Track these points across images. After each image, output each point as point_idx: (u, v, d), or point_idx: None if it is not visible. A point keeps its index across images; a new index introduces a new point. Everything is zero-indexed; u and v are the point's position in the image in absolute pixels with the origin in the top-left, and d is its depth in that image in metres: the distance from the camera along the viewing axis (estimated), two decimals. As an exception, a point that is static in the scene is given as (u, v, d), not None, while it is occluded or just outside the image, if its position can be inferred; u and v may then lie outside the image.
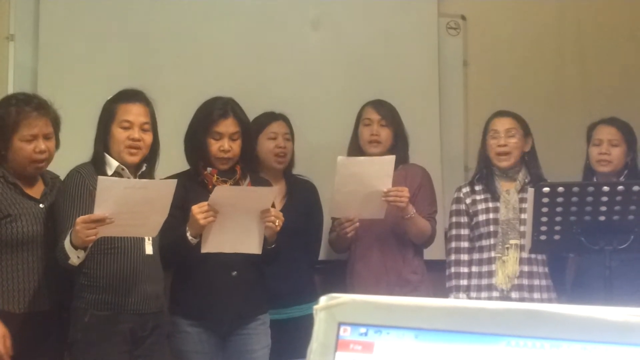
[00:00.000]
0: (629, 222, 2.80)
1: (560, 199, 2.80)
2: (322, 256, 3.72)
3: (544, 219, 2.82)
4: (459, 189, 3.50)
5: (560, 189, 2.81)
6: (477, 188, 3.45)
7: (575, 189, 2.82)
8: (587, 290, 3.16)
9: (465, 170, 4.10)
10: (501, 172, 3.42)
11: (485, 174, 3.45)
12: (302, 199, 3.46)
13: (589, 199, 2.79)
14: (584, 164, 3.47)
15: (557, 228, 2.83)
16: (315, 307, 0.85)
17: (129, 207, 2.60)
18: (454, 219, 3.46)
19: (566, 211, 2.80)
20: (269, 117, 3.48)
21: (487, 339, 0.76)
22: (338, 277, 3.52)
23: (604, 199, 2.79)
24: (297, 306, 3.28)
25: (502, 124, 3.41)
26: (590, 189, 2.83)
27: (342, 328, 0.84)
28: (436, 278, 3.53)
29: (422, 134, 3.78)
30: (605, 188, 2.81)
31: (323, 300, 0.85)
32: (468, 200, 3.43)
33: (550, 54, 4.27)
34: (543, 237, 2.85)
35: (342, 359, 0.82)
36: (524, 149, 3.42)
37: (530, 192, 2.88)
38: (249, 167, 3.17)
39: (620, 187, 2.81)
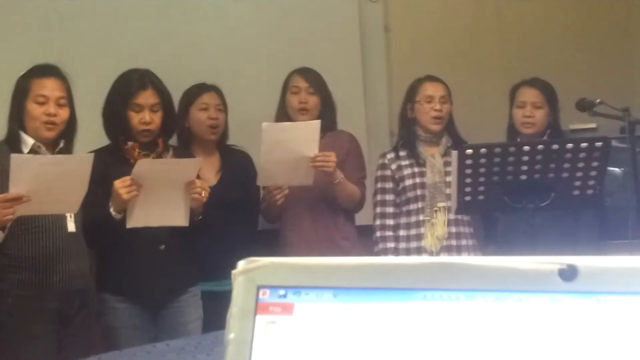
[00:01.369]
0: (550, 180, 2.87)
1: (482, 160, 2.85)
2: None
3: (468, 180, 2.87)
4: (384, 155, 3.53)
5: (483, 150, 2.86)
6: (401, 154, 3.48)
7: (497, 149, 2.87)
8: (513, 248, 3.24)
9: (390, 135, 4.13)
10: (426, 137, 3.46)
11: (408, 139, 3.49)
12: (237, 170, 3.41)
13: (511, 159, 2.85)
14: (507, 124, 3.53)
15: (481, 189, 2.88)
16: (233, 271, 0.84)
17: (46, 184, 2.53)
18: (379, 185, 3.50)
19: (489, 172, 2.86)
20: (200, 89, 3.42)
21: (404, 294, 0.77)
22: (273, 246, 3.52)
23: (525, 158, 2.85)
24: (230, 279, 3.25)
25: (435, 90, 3.44)
26: (512, 149, 2.89)
27: (261, 291, 0.83)
28: (368, 243, 3.57)
29: (346, 101, 3.78)
30: (526, 148, 2.87)
31: (241, 264, 0.84)
32: (393, 166, 3.47)
33: (469, 17, 4.30)
34: (468, 198, 2.90)
35: (262, 322, 0.81)
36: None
37: (454, 155, 2.92)
38: (182, 139, 3.12)
39: (540, 147, 2.88)
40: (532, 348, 0.69)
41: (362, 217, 3.68)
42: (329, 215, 3.46)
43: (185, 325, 3.03)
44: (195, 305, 3.09)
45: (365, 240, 3.57)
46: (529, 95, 3.45)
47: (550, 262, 0.71)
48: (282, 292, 0.82)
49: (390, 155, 3.50)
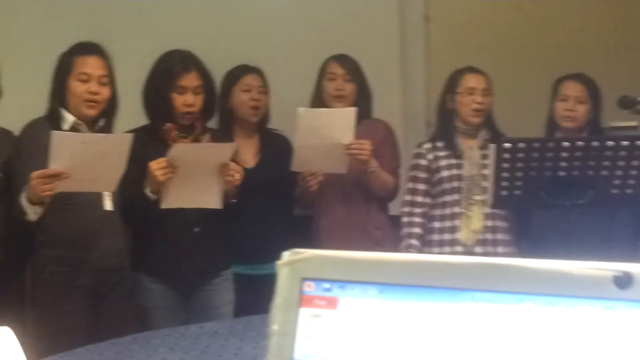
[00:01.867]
0: (588, 177, 2.82)
1: (521, 155, 2.81)
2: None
3: (505, 174, 2.84)
4: (420, 145, 3.50)
5: (521, 144, 2.82)
6: (438, 144, 3.45)
7: (536, 144, 2.83)
8: (547, 244, 3.21)
9: (427, 125, 4.10)
10: (465, 129, 3.42)
11: (446, 130, 3.46)
12: (276, 154, 3.38)
13: (549, 154, 2.81)
14: (547, 118, 3.49)
15: (518, 183, 2.84)
16: (277, 262, 0.84)
17: (85, 162, 2.55)
18: (412, 173, 3.48)
19: (527, 167, 2.82)
20: (243, 70, 3.41)
21: (452, 293, 0.76)
22: (305, 233, 3.51)
23: (564, 154, 2.80)
24: (269, 263, 3.22)
25: (477, 82, 3.41)
26: (551, 144, 2.85)
27: (305, 283, 0.83)
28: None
29: (383, 90, 3.75)
30: (566, 144, 2.82)
31: (286, 255, 0.84)
32: (430, 156, 3.44)
33: (510, 8, 4.25)
34: (504, 193, 2.87)
35: (306, 315, 0.81)
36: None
37: (492, 148, 2.89)
38: (209, 120, 3.11)
39: (579, 143, 2.83)
40: (583, 356, 0.68)
41: (396, 207, 3.66)
42: (362, 204, 3.44)
43: (217, 309, 3.04)
44: (228, 288, 3.10)
45: (398, 230, 3.55)
46: (573, 89, 3.40)
47: (605, 269, 0.70)
48: (327, 285, 0.82)
49: (428, 146, 3.47)
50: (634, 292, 0.68)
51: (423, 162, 3.45)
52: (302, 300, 0.82)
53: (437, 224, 3.39)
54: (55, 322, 2.70)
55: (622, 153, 2.80)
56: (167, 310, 2.99)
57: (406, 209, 3.44)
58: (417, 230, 3.39)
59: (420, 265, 0.78)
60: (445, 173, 3.39)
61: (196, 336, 1.90)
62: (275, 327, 0.81)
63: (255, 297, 3.04)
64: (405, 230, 3.41)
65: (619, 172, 2.82)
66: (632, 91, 3.17)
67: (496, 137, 3.31)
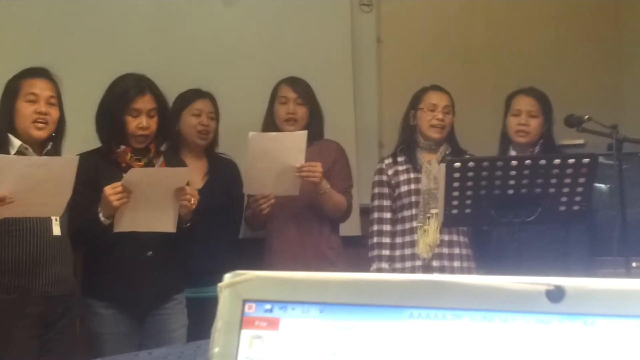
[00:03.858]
0: (537, 194, 2.87)
1: (470, 174, 2.85)
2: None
3: (455, 193, 2.87)
4: (382, 161, 3.54)
5: (471, 164, 2.86)
6: (399, 159, 3.49)
7: (485, 163, 2.87)
8: (501, 261, 3.25)
9: (379, 146, 4.13)
10: (426, 144, 3.46)
11: (407, 145, 3.49)
12: (223, 178, 3.40)
13: (498, 173, 2.85)
14: (501, 132, 3.54)
15: (468, 202, 2.88)
16: (219, 284, 0.84)
17: (30, 186, 2.52)
18: (376, 190, 3.50)
19: (476, 185, 2.86)
20: (195, 94, 3.42)
21: (391, 311, 0.76)
22: (255, 255, 3.50)
23: (513, 172, 2.85)
24: (215, 285, 3.22)
25: (439, 99, 3.47)
26: (500, 163, 2.89)
27: (246, 305, 0.82)
28: (353, 254, 3.56)
29: (336, 111, 3.78)
30: (514, 162, 2.87)
31: (227, 277, 0.84)
32: (390, 172, 3.48)
33: (460, 29, 4.32)
34: (455, 212, 2.90)
35: (247, 336, 0.81)
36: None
37: (442, 167, 2.92)
38: (171, 144, 3.11)
39: (527, 161, 2.88)
40: (518, 369, 0.69)
41: (347, 228, 3.68)
42: (315, 225, 3.45)
43: (171, 333, 3.01)
44: (181, 312, 3.08)
45: (349, 250, 3.56)
46: (525, 103, 3.46)
47: (537, 283, 0.71)
48: (268, 306, 0.82)
49: (388, 161, 3.51)
50: (566, 305, 0.69)
51: (384, 177, 3.48)
52: (244, 321, 0.82)
53: (398, 239, 3.41)
54: (3, 351, 2.64)
55: (569, 170, 2.85)
56: (120, 336, 2.95)
57: (375, 227, 3.45)
58: (386, 252, 3.41)
59: (359, 283, 0.79)
60: (404, 188, 3.42)
61: (146, 362, 1.87)
62: (216, 349, 0.81)
63: (204, 320, 3.05)
64: (376, 252, 3.42)
65: (566, 190, 2.87)
66: (579, 110, 3.24)
67: (457, 152, 3.37)
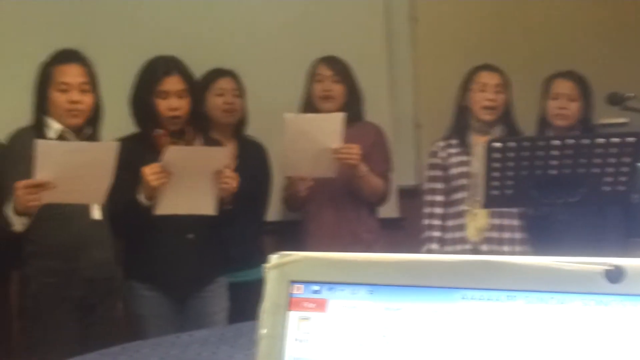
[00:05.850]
0: (580, 175, 2.82)
1: (511, 154, 2.80)
2: (276, 217, 3.70)
3: (496, 174, 2.83)
4: (435, 143, 3.50)
5: (512, 143, 2.82)
6: (452, 141, 3.45)
7: (526, 143, 2.83)
8: (542, 244, 3.21)
9: (415, 127, 4.09)
10: (479, 126, 3.41)
11: (460, 127, 3.45)
12: (252, 161, 3.39)
13: (540, 153, 2.80)
14: (538, 116, 3.48)
15: (509, 183, 2.84)
16: (265, 265, 0.82)
17: (72, 171, 2.52)
18: (429, 173, 3.48)
19: (518, 166, 2.81)
20: (216, 74, 3.40)
21: (442, 292, 0.75)
22: (292, 237, 3.50)
23: (555, 153, 2.80)
24: (245, 270, 3.24)
25: (490, 78, 3.41)
26: (541, 143, 2.84)
27: (294, 286, 0.81)
28: (391, 236, 3.54)
29: (371, 92, 3.74)
30: (556, 142, 2.82)
31: (273, 258, 0.83)
32: (443, 154, 3.44)
33: (496, 8, 4.25)
34: (496, 192, 2.86)
35: (295, 318, 0.80)
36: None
37: (482, 148, 2.88)
38: (199, 126, 3.09)
39: (570, 141, 2.82)
40: (576, 351, 0.67)
41: (386, 210, 3.65)
42: (352, 208, 3.43)
43: (212, 316, 3.03)
44: (222, 295, 3.09)
45: (388, 233, 3.54)
46: (564, 87, 3.41)
47: (596, 263, 0.68)
48: (315, 287, 0.80)
49: (441, 144, 3.47)
50: (626, 286, 0.67)
51: (437, 160, 3.44)
52: (291, 303, 0.81)
53: (450, 222, 3.38)
54: (45, 334, 2.67)
55: (613, 150, 2.79)
56: (161, 318, 2.97)
57: (427, 210, 3.43)
58: (436, 233, 3.38)
59: (410, 264, 0.77)
60: (455, 170, 3.39)
61: (187, 345, 1.88)
62: (264, 330, 0.80)
63: (234, 304, 3.08)
64: (426, 233, 3.40)
65: (610, 169, 2.81)
66: (621, 87, 3.17)
67: (513, 133, 3.31)
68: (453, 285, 0.74)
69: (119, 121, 3.05)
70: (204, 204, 2.86)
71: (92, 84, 2.82)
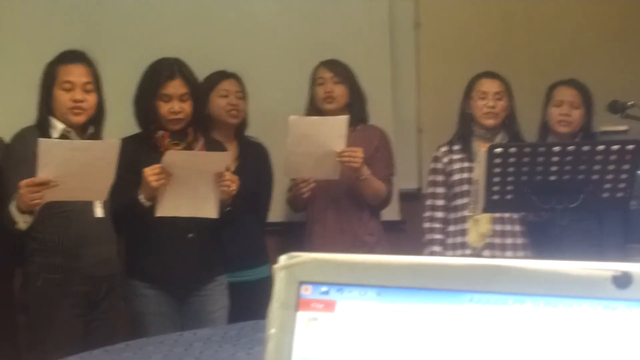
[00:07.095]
0: (579, 181, 2.83)
1: (512, 160, 2.82)
2: (280, 218, 3.72)
3: (497, 179, 2.84)
4: (438, 148, 3.52)
5: (513, 149, 2.83)
6: (455, 147, 3.48)
7: (527, 149, 2.84)
8: (542, 249, 3.22)
9: (418, 132, 4.10)
10: (481, 133, 3.43)
11: (463, 133, 3.47)
12: (253, 163, 3.41)
13: (540, 159, 2.82)
14: (540, 123, 3.50)
15: (509, 188, 2.85)
16: (274, 266, 0.83)
17: (74, 170, 2.54)
18: (430, 177, 3.51)
19: (518, 171, 2.82)
20: (220, 76, 3.42)
21: (450, 295, 0.75)
22: (296, 238, 3.51)
23: (555, 159, 2.81)
24: (247, 270, 3.26)
25: (490, 86, 3.43)
26: (542, 149, 2.85)
27: (303, 287, 0.82)
28: (392, 239, 3.55)
29: (374, 96, 3.76)
30: (557, 148, 2.83)
31: (283, 259, 0.83)
32: (445, 160, 3.47)
33: (500, 14, 4.26)
34: (496, 197, 2.88)
35: (303, 318, 0.81)
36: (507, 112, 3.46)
37: (483, 153, 2.89)
38: (201, 127, 3.11)
39: (570, 147, 2.84)
40: (583, 356, 0.68)
41: (388, 213, 3.66)
42: (354, 211, 3.44)
43: (211, 314, 3.05)
44: (221, 294, 3.11)
45: (390, 235, 3.55)
46: (567, 94, 3.44)
47: (603, 269, 0.69)
48: (324, 288, 0.81)
49: (444, 149, 3.50)
50: (633, 291, 0.68)
51: (439, 165, 3.47)
52: (300, 303, 0.81)
53: (451, 227, 3.40)
54: (48, 330, 2.68)
55: (613, 157, 2.81)
56: (162, 316, 2.99)
57: (427, 214, 3.46)
58: (438, 236, 3.42)
59: (418, 267, 0.78)
60: (457, 176, 3.41)
61: (190, 342, 1.89)
62: (272, 330, 0.81)
63: (235, 304, 3.10)
64: (427, 237, 3.43)
65: (609, 176, 2.83)
66: (621, 96, 3.19)
67: (515, 140, 3.33)
68: (461, 288, 0.75)
69: (122, 121, 3.07)
70: (206, 207, 2.87)
71: (95, 84, 2.85)
